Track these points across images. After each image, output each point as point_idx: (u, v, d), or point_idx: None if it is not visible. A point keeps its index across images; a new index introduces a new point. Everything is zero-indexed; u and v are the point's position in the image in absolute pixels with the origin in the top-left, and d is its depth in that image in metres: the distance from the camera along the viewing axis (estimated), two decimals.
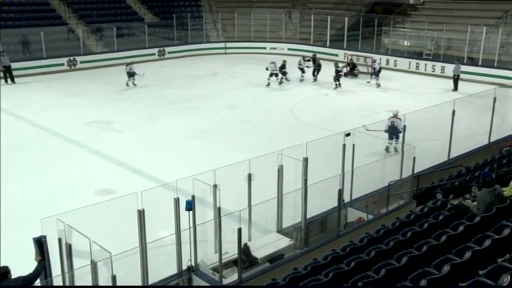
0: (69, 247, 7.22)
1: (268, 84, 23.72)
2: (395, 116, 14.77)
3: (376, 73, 24.34)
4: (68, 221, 7.07)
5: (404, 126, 12.43)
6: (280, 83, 24.14)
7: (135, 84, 23.64)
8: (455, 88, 23.40)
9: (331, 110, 20.50)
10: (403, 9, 32.92)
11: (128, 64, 23.98)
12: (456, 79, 23.56)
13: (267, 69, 23.94)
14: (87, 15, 31.50)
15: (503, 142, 14.67)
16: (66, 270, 7.33)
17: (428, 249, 6.66)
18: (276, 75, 23.97)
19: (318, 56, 27.15)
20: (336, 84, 23.69)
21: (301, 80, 24.93)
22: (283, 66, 24.32)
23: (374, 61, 25.36)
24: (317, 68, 25.33)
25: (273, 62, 24.09)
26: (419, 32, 28.95)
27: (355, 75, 26.45)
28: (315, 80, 25.11)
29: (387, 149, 14.90)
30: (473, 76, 24.98)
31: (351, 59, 27.43)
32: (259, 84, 23.51)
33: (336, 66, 23.95)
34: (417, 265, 6.12)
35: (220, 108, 20.46)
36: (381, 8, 35.13)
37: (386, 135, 14.84)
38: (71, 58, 27.99)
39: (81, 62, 28.27)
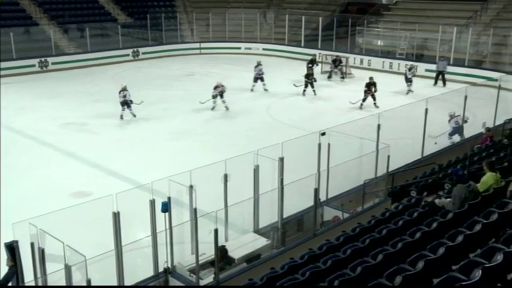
0: (41, 252, 7.09)
1: (213, 108, 19.99)
2: (454, 116, 15.58)
3: (409, 80, 23.08)
4: (41, 225, 6.94)
5: (379, 125, 12.52)
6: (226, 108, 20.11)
7: (134, 115, 18.86)
8: (444, 83, 24.23)
9: (307, 110, 20.58)
10: (377, 9, 33.31)
11: (121, 90, 18.81)
12: (443, 76, 24.37)
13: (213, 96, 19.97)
14: (59, 16, 31.00)
15: (475, 140, 14.96)
16: (39, 275, 7.21)
17: (403, 246, 6.74)
18: (214, 96, 19.88)
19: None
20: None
21: (265, 89, 23.13)
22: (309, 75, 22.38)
23: (410, 69, 23.47)
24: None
25: (218, 86, 19.88)
26: (393, 32, 29.37)
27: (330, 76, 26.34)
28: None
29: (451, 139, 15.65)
30: (445, 75, 25.43)
31: (337, 56, 26.78)
32: (236, 84, 23.45)
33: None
34: (392, 262, 6.19)
35: (197, 109, 20.35)
36: (354, 8, 35.48)
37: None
38: (43, 59, 27.47)
39: (53, 63, 27.75)
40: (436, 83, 24.40)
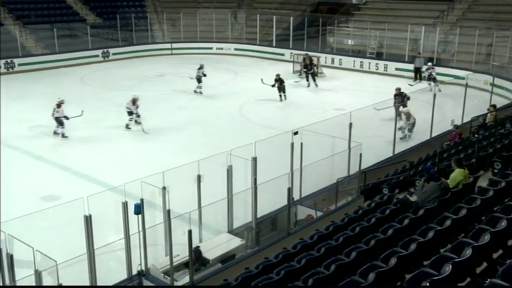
0: (10, 258, 6.93)
1: (127, 126, 17.73)
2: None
3: (433, 79, 23.15)
4: (10, 230, 6.78)
5: (350, 123, 12.68)
6: (128, 125, 17.73)
7: (64, 136, 16.68)
8: (420, 79, 24.87)
9: (279, 110, 20.66)
10: (347, 9, 33.68)
11: (57, 104, 16.70)
12: (420, 71, 25.05)
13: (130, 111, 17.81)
14: (25, 16, 30.30)
15: (444, 137, 15.27)
16: (7, 282, 7.04)
17: (376, 243, 6.82)
18: (130, 113, 17.72)
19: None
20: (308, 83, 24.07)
21: (196, 92, 22.68)
22: (279, 81, 21.74)
23: (432, 68, 23.58)
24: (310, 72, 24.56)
25: (136, 100, 17.80)
26: (363, 31, 29.70)
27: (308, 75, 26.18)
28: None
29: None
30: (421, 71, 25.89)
31: (306, 54, 26.63)
32: (208, 84, 23.36)
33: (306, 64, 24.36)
34: (366, 259, 6.27)
35: (169, 110, 20.21)
36: (325, 8, 35.79)
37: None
38: (9, 60, 26.79)
39: (20, 65, 27.10)
40: (415, 78, 25.15)
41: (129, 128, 17.62)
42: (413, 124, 16.45)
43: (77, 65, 28.39)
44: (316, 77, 24.75)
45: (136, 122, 17.71)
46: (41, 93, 22.41)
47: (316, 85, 24.41)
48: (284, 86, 21.77)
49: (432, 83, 22.83)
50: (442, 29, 26.93)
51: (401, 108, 16.09)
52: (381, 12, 30.86)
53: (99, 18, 32.98)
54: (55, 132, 16.89)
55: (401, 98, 18.67)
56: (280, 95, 21.79)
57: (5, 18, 29.47)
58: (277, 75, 21.99)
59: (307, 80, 24.48)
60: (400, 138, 15.87)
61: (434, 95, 15.31)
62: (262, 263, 7.46)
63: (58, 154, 15.26)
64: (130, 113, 17.69)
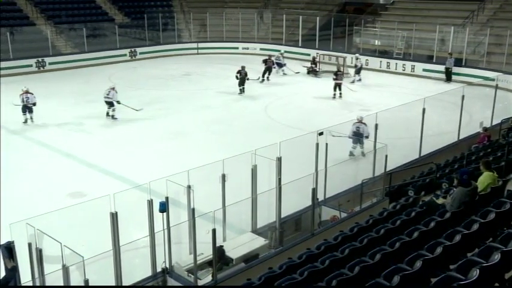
0: (39, 252, 7.08)
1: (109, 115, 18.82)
2: (360, 121, 14.44)
3: (357, 70, 25.01)
4: (38, 225, 6.93)
5: (376, 124, 12.55)
6: (111, 116, 18.75)
7: (26, 121, 17.93)
8: (449, 80, 25.22)
9: (304, 110, 20.59)
10: (374, 9, 33.37)
11: (22, 93, 17.87)
12: (450, 72, 25.23)
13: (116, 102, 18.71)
14: (56, 16, 30.93)
15: (472, 139, 14.99)
16: (36, 275, 7.19)
17: (401, 246, 6.75)
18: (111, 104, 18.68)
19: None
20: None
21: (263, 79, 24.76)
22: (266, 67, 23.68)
23: (357, 58, 25.65)
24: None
25: (111, 89, 18.72)
26: (390, 32, 29.38)
27: (316, 75, 26.50)
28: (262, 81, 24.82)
29: (351, 154, 14.56)
30: (442, 75, 25.55)
31: (314, 57, 27.80)
32: (232, 84, 23.45)
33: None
34: (390, 262, 6.21)
35: (193, 109, 20.36)
36: (351, 8, 35.53)
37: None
38: (40, 59, 27.44)
39: (50, 63, 27.71)
40: (447, 79, 25.28)
41: None
42: (359, 135, 14.24)
43: (105, 64, 28.89)
44: (269, 75, 25.14)
45: None
46: (70, 92, 22.87)
47: (264, 79, 24.94)
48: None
49: (356, 75, 24.57)
50: (472, 29, 26.43)
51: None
52: (409, 12, 30.48)
53: (127, 18, 33.44)
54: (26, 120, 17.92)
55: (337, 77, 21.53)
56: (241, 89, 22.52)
57: (37, 18, 30.15)
58: (239, 71, 22.84)
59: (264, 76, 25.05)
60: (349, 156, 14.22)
61: (463, 96, 15.01)
62: (285, 263, 7.45)
63: (85, 151, 15.50)
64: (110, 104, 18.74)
